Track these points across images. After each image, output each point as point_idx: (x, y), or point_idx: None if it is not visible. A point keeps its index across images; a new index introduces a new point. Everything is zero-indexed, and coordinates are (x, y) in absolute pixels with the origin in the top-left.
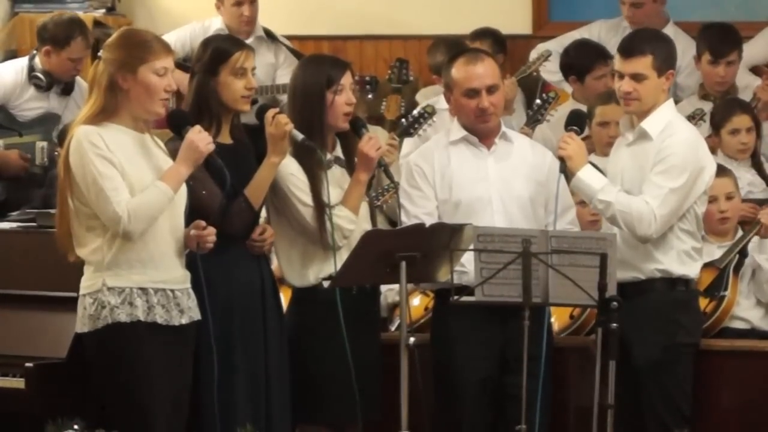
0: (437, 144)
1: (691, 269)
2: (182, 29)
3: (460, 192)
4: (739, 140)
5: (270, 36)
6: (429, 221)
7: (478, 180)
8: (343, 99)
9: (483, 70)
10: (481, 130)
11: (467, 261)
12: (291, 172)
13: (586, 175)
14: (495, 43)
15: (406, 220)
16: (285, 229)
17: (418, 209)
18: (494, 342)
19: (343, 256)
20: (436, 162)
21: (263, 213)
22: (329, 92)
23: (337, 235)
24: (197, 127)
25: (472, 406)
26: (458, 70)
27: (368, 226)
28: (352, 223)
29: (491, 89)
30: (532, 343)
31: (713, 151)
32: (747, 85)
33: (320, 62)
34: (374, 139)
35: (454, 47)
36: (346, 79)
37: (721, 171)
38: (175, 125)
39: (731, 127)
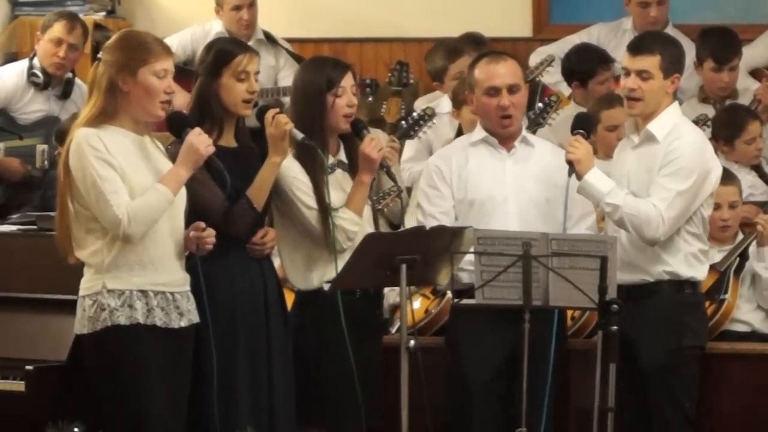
0: (457, 145)
1: (698, 272)
2: (183, 32)
3: (474, 191)
4: (756, 146)
5: (270, 39)
6: (445, 220)
7: (494, 181)
8: (344, 101)
9: (505, 70)
10: (501, 135)
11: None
12: (294, 174)
13: (594, 178)
14: (477, 47)
15: (422, 219)
16: (289, 232)
17: (435, 208)
18: (505, 344)
19: (346, 259)
20: (454, 162)
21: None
22: (329, 95)
23: (341, 237)
24: (197, 130)
25: (483, 407)
26: (480, 70)
27: (371, 229)
28: (355, 225)
29: (512, 88)
30: (543, 345)
31: None
32: (746, 87)
33: (321, 64)
34: (376, 141)
35: (452, 52)
36: (347, 81)
37: (728, 178)
38: (175, 128)
39: (748, 137)
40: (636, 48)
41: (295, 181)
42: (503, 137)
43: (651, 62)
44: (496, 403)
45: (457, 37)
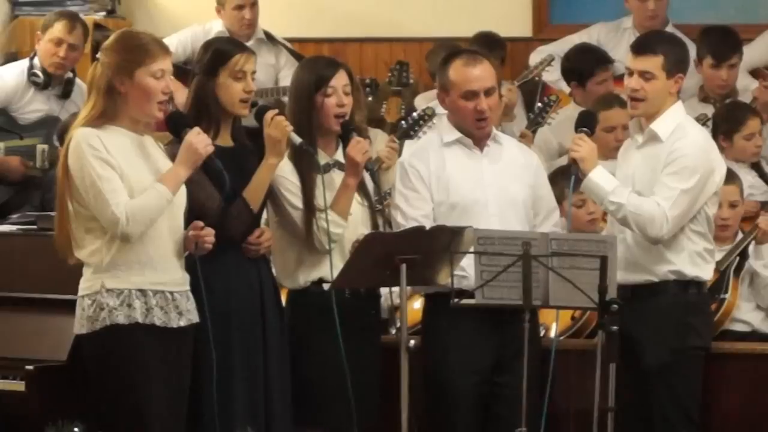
0: (431, 145)
1: (703, 271)
2: (183, 32)
3: (456, 194)
4: (755, 143)
5: (270, 38)
6: (426, 224)
7: (475, 182)
8: (333, 101)
9: (481, 72)
10: (476, 135)
11: (467, 265)
12: (283, 174)
13: (598, 176)
14: (494, 46)
15: (402, 222)
16: (283, 231)
17: (416, 211)
18: (488, 345)
19: (335, 260)
20: (432, 163)
21: (264, 216)
22: (319, 94)
23: (324, 239)
24: (196, 129)
25: (465, 409)
26: (456, 72)
27: (365, 230)
28: (339, 227)
29: (489, 91)
30: (529, 345)
31: None
32: (746, 87)
33: (314, 63)
34: (361, 143)
35: None
36: (338, 81)
37: (729, 178)
38: (173, 127)
39: (747, 132)
40: (639, 48)
41: (284, 180)
42: (477, 137)
43: (654, 63)
44: (481, 406)
45: (471, 37)
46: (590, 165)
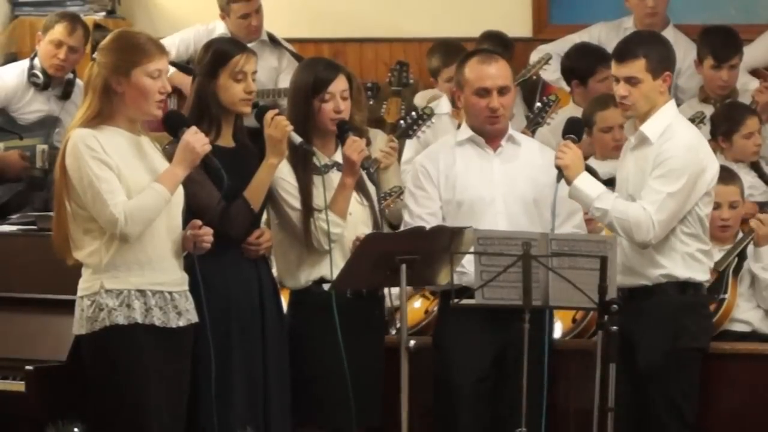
0: (444, 145)
1: (697, 272)
2: (186, 31)
3: (463, 192)
4: (754, 142)
5: (273, 40)
6: (432, 221)
7: (482, 181)
8: (330, 107)
9: (496, 71)
10: (488, 132)
11: (467, 262)
12: (281, 176)
13: (583, 183)
14: (501, 46)
15: (409, 220)
16: (284, 233)
17: (422, 209)
18: (494, 344)
19: (337, 260)
20: (441, 162)
21: (264, 216)
22: (316, 99)
23: (323, 238)
24: (193, 128)
25: (468, 407)
26: (471, 69)
27: (366, 230)
28: (338, 227)
29: (502, 90)
30: (535, 346)
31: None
32: (746, 88)
33: (312, 66)
34: (357, 142)
35: (452, 51)
36: (336, 87)
37: (729, 178)
38: (171, 127)
39: (746, 131)
40: (620, 55)
41: (282, 182)
42: (490, 136)
43: (637, 67)
44: (482, 404)
45: (478, 36)
46: (575, 172)
